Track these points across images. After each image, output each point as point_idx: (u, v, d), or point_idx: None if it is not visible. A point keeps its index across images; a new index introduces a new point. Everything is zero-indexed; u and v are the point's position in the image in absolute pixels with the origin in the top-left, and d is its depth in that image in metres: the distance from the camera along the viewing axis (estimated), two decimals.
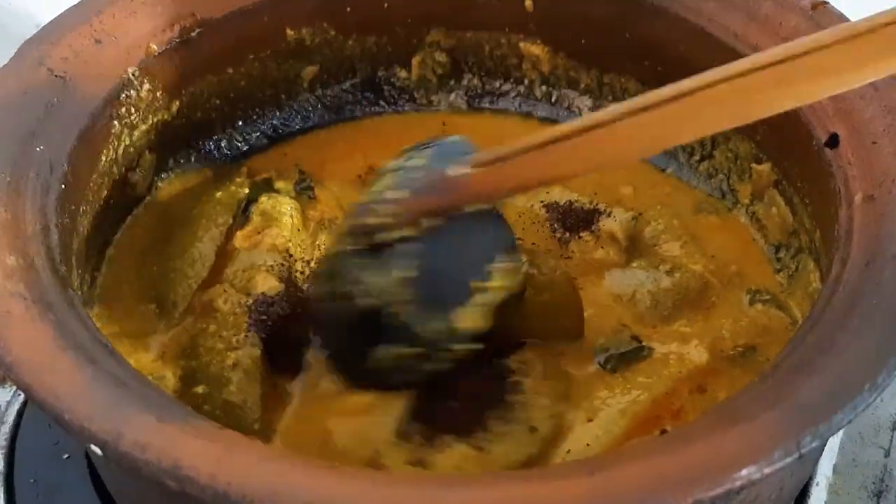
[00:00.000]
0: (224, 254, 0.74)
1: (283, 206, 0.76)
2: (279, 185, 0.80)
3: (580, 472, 0.45)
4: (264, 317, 0.68)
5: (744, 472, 0.44)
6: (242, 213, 0.76)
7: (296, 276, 0.72)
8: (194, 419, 0.49)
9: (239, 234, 0.75)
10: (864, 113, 0.65)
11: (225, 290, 0.69)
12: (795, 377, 0.49)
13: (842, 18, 0.71)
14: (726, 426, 0.47)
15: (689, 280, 0.72)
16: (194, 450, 0.45)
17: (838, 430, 0.47)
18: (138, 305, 0.71)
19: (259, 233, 0.74)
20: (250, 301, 0.68)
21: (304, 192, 0.80)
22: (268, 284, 0.70)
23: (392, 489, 0.44)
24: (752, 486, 0.50)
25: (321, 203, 0.80)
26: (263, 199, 0.77)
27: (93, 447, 0.46)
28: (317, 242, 0.75)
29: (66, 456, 0.72)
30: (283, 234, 0.74)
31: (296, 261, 0.73)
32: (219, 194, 0.78)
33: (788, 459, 0.45)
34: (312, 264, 0.73)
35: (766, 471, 0.45)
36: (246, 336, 0.66)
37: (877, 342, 0.51)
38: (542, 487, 0.44)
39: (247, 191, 0.78)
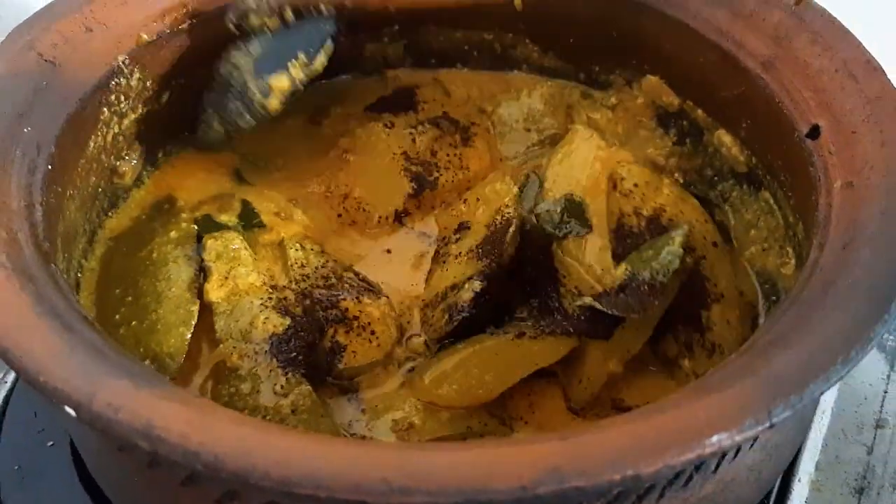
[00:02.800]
0: (202, 311, 0.70)
1: (233, 243, 0.74)
2: (223, 218, 0.77)
3: (555, 437, 0.45)
4: (293, 353, 0.66)
5: (714, 438, 0.44)
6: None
7: (290, 306, 0.70)
8: (169, 386, 0.49)
9: (208, 287, 0.71)
10: (844, 104, 0.66)
11: (234, 347, 0.67)
12: (770, 351, 0.50)
13: (824, 13, 0.72)
14: (699, 396, 0.47)
15: None
16: (167, 412, 0.45)
17: (811, 400, 0.47)
18: None
19: (227, 278, 0.71)
20: (266, 346, 0.66)
21: (251, 219, 0.78)
22: (272, 323, 0.68)
23: (366, 451, 0.44)
24: (724, 460, 0.51)
25: (272, 226, 0.78)
26: (209, 242, 0.74)
27: (66, 409, 0.46)
28: (289, 263, 0.73)
29: (50, 443, 0.72)
30: (251, 269, 0.72)
31: (280, 289, 0.72)
32: (172, 233, 0.75)
33: (760, 427, 0.45)
34: (295, 285, 0.72)
35: (738, 438, 0.45)
36: (287, 379, 0.64)
37: (852, 318, 0.51)
38: (516, 450, 0.44)
39: (194, 227, 0.76)
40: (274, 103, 0.77)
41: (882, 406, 0.77)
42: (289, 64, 0.78)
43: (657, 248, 0.67)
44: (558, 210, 0.74)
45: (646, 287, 0.64)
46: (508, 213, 0.73)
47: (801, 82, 0.69)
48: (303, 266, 0.73)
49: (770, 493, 0.69)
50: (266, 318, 0.68)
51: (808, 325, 0.51)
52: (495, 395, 0.63)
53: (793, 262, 0.70)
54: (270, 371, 0.65)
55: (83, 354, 0.49)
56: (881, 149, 0.61)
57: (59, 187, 0.67)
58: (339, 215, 0.80)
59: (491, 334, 0.67)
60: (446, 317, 0.66)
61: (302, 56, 0.78)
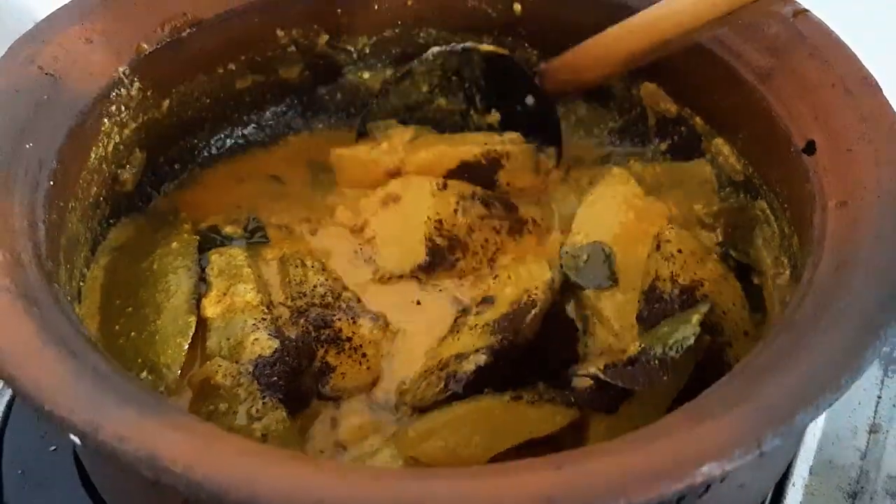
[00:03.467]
0: (198, 325, 0.70)
1: (237, 259, 0.74)
2: (228, 230, 0.78)
3: (547, 467, 0.46)
4: (275, 377, 0.66)
5: (705, 468, 0.45)
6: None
7: (284, 324, 0.70)
8: (174, 413, 0.50)
9: (205, 302, 0.71)
10: (840, 120, 0.66)
11: (220, 365, 0.66)
12: (761, 377, 0.51)
13: (822, 26, 0.72)
14: (691, 424, 0.48)
15: None
16: (172, 441, 0.46)
17: (801, 429, 0.48)
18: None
19: (225, 294, 0.71)
20: (251, 367, 0.66)
21: (256, 233, 0.78)
22: (261, 345, 0.68)
23: (363, 481, 0.45)
24: (717, 481, 0.52)
25: (275, 242, 0.78)
26: (214, 257, 0.74)
27: (73, 437, 0.47)
28: (288, 279, 0.74)
29: (53, 448, 0.73)
30: (251, 287, 0.72)
31: (276, 306, 0.72)
32: (174, 244, 0.75)
33: (749, 457, 0.46)
34: (291, 302, 0.72)
35: (728, 467, 0.46)
36: (264, 403, 0.64)
37: (842, 345, 0.52)
38: (510, 480, 0.45)
39: (196, 238, 0.76)
40: None
41: (876, 411, 0.77)
42: None
43: (674, 325, 0.65)
44: (584, 257, 0.73)
45: (656, 362, 0.61)
46: (536, 294, 0.70)
47: (798, 96, 0.69)
48: (301, 283, 0.73)
49: (764, 498, 0.70)
50: (256, 338, 0.68)
51: (799, 351, 0.52)
52: (482, 461, 0.60)
53: (787, 272, 0.71)
54: (250, 393, 0.64)
55: (88, 382, 0.50)
56: (875, 168, 0.62)
57: (62, 202, 0.67)
58: (355, 251, 0.79)
59: (486, 393, 0.65)
60: (441, 385, 0.65)
61: None
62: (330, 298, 0.73)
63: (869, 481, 0.73)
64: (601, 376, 0.62)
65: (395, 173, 0.81)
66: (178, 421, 0.48)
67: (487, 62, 0.85)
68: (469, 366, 0.65)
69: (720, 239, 0.76)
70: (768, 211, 0.74)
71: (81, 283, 0.72)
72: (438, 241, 0.77)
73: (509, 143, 0.83)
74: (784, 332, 0.54)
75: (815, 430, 0.75)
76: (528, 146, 0.83)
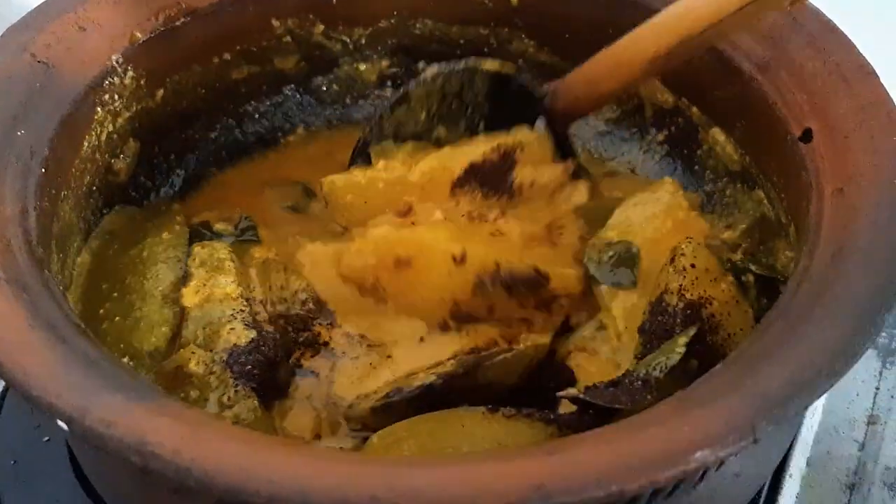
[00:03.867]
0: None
1: (219, 253, 0.73)
2: (219, 226, 0.77)
3: (540, 453, 0.46)
4: (249, 366, 0.65)
5: (697, 455, 0.45)
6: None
7: (262, 320, 0.69)
8: (162, 399, 0.50)
9: (185, 291, 0.70)
10: (837, 109, 0.66)
11: (193, 353, 0.65)
12: (755, 365, 0.50)
13: (819, 15, 0.71)
14: (684, 411, 0.48)
15: None
16: (160, 427, 0.46)
17: (795, 415, 0.47)
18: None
19: (205, 285, 0.71)
20: (225, 356, 0.65)
21: (247, 231, 0.77)
22: (236, 334, 0.67)
23: (352, 468, 0.45)
24: (712, 469, 0.51)
25: (266, 243, 0.77)
26: (196, 248, 0.73)
27: (59, 423, 0.47)
28: (269, 283, 0.72)
29: (46, 439, 0.73)
30: (231, 280, 0.71)
31: (256, 303, 0.71)
32: (165, 234, 0.75)
33: (743, 443, 0.46)
34: (271, 307, 0.71)
35: (721, 454, 0.45)
36: (236, 391, 0.63)
37: (837, 333, 0.51)
38: (501, 467, 0.45)
39: (186, 229, 0.76)
40: None
41: (874, 402, 0.77)
42: None
43: (664, 351, 0.62)
44: (609, 253, 0.70)
45: (639, 382, 0.59)
46: (518, 347, 0.68)
47: (795, 85, 0.69)
48: (282, 288, 0.72)
49: (761, 489, 0.69)
50: (232, 328, 0.67)
51: (793, 338, 0.51)
52: None
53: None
54: (221, 382, 0.64)
55: (77, 368, 0.49)
56: (872, 156, 0.61)
57: (54, 189, 0.67)
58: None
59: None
60: (382, 394, 0.62)
61: None
62: (311, 304, 0.72)
63: (867, 473, 0.73)
64: (581, 397, 0.59)
65: (398, 196, 0.75)
66: (167, 407, 0.48)
67: (491, 82, 0.80)
68: (416, 382, 0.63)
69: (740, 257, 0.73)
70: (765, 200, 0.74)
71: (73, 272, 0.72)
72: (451, 323, 0.71)
73: (520, 134, 0.78)
74: (778, 320, 0.54)
75: (812, 422, 0.75)
76: (542, 134, 0.79)
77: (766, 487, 0.70)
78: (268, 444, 0.46)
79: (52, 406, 0.47)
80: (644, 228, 0.73)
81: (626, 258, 0.71)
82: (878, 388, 0.78)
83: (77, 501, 0.69)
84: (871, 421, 0.76)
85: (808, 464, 0.72)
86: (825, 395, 0.74)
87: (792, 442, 0.72)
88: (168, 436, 0.45)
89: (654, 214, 0.74)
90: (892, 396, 0.78)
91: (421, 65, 0.88)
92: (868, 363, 0.79)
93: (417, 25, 0.88)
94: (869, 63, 0.68)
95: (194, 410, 0.49)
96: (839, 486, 0.72)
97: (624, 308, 0.69)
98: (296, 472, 0.44)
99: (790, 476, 0.72)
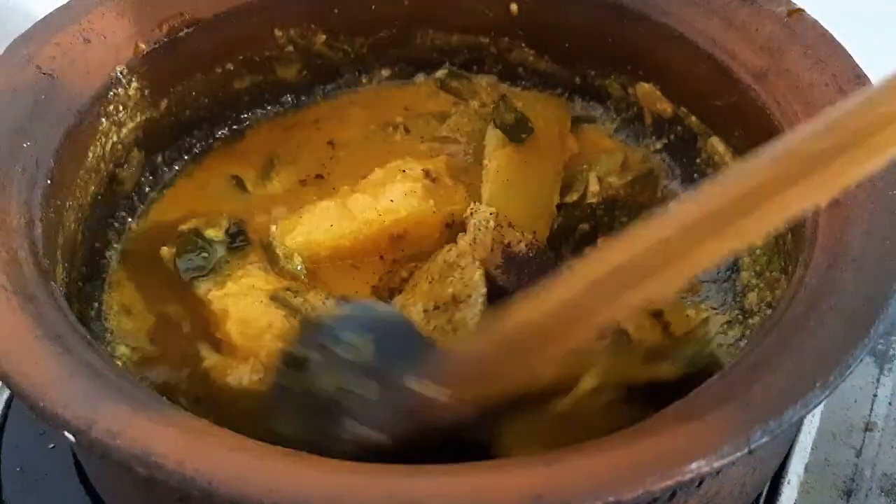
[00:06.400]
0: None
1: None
2: (209, 233, 0.76)
3: (537, 464, 0.46)
4: None
5: (693, 465, 0.46)
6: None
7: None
8: (167, 409, 0.50)
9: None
10: None
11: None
12: (750, 375, 0.51)
13: (816, 26, 0.72)
14: (680, 422, 0.48)
15: None
16: (164, 438, 0.47)
17: (789, 426, 0.48)
18: None
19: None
20: None
21: (238, 237, 0.77)
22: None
23: (354, 478, 0.46)
24: (708, 480, 0.52)
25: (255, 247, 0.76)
26: (214, 293, 0.72)
27: (66, 434, 0.48)
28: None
29: (51, 445, 0.73)
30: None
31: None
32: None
33: (738, 454, 0.46)
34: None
35: (716, 465, 0.46)
36: None
37: (831, 342, 0.52)
38: (499, 477, 0.46)
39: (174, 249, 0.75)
40: None
41: (871, 409, 0.77)
42: None
43: None
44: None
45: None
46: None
47: (792, 95, 0.69)
48: None
49: (759, 496, 0.70)
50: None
51: (788, 349, 0.52)
52: None
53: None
54: None
55: (82, 379, 0.50)
56: None
57: (59, 200, 0.68)
58: None
59: None
60: None
61: None
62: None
63: (864, 479, 0.73)
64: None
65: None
66: (171, 417, 0.49)
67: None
68: None
69: None
70: None
71: (80, 284, 0.73)
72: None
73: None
74: (774, 330, 0.55)
75: (810, 429, 0.75)
76: None
77: (763, 494, 0.70)
78: (270, 454, 0.47)
79: (59, 417, 0.48)
80: None
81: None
82: (875, 395, 0.78)
83: None
84: (869, 427, 0.76)
85: (805, 470, 0.73)
86: (823, 402, 0.76)
87: (790, 448, 0.72)
88: (172, 446, 0.46)
89: None
90: (889, 403, 0.78)
91: (420, 76, 0.89)
92: (866, 370, 0.79)
93: (418, 35, 0.88)
94: (864, 73, 0.68)
95: (198, 420, 0.50)
96: (836, 493, 0.72)
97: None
98: (297, 482, 0.45)
99: (788, 482, 0.72)
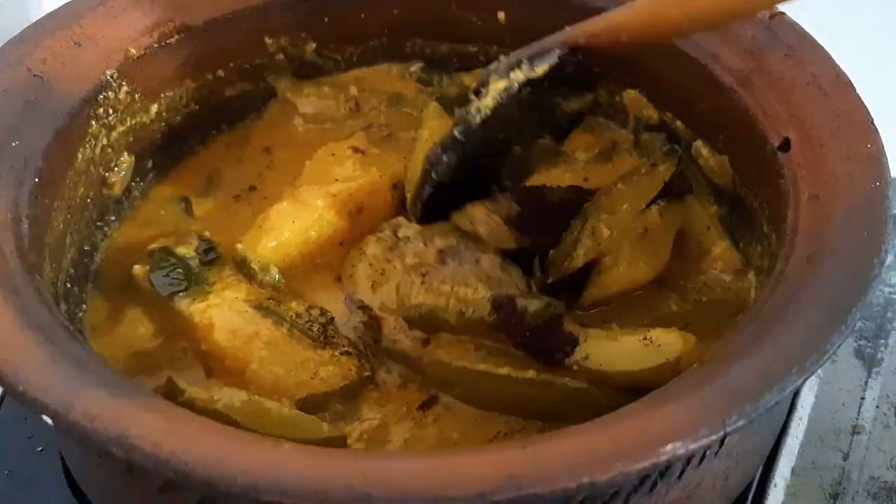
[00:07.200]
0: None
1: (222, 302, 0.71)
2: (181, 251, 0.75)
3: (513, 445, 0.46)
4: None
5: (668, 447, 0.46)
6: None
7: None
8: (146, 396, 0.51)
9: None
10: (814, 118, 0.67)
11: None
12: (728, 361, 0.51)
13: (796, 28, 0.73)
14: (656, 406, 0.48)
15: None
16: (142, 421, 0.47)
17: (765, 410, 0.48)
18: None
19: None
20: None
21: (209, 253, 0.75)
22: None
23: (325, 460, 0.46)
24: (689, 471, 0.52)
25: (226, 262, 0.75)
26: (196, 307, 0.71)
27: (45, 418, 0.48)
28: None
29: (40, 449, 0.73)
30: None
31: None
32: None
33: (714, 437, 0.46)
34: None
35: (692, 447, 0.46)
36: None
37: (809, 330, 0.52)
38: (476, 457, 0.46)
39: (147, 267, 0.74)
40: (487, 101, 0.76)
41: (859, 412, 0.77)
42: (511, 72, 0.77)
43: None
44: None
45: None
46: None
47: (774, 96, 0.70)
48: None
49: (746, 497, 0.70)
50: None
51: (766, 336, 0.52)
52: None
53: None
54: None
55: (64, 366, 0.50)
56: (846, 162, 0.62)
57: (47, 199, 0.68)
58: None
59: None
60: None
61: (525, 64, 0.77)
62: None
63: (851, 483, 0.73)
64: None
65: None
66: (150, 403, 0.49)
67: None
68: None
69: None
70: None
71: (68, 284, 0.73)
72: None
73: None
74: (753, 321, 0.55)
75: (797, 431, 0.75)
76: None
77: (750, 496, 0.70)
78: (246, 439, 0.47)
79: (37, 401, 0.48)
80: None
81: None
82: (863, 398, 0.78)
83: None
84: (856, 431, 0.76)
85: (792, 473, 0.73)
86: (811, 405, 0.76)
87: (776, 451, 0.72)
88: (149, 430, 0.46)
89: None
90: (877, 406, 0.78)
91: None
92: (853, 373, 0.79)
93: (408, 44, 0.89)
94: (844, 73, 0.69)
95: (177, 407, 0.50)
96: (823, 496, 0.72)
97: None
98: (273, 464, 0.45)
99: (775, 485, 0.72)
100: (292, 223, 0.75)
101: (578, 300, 0.71)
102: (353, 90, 0.88)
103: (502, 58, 0.78)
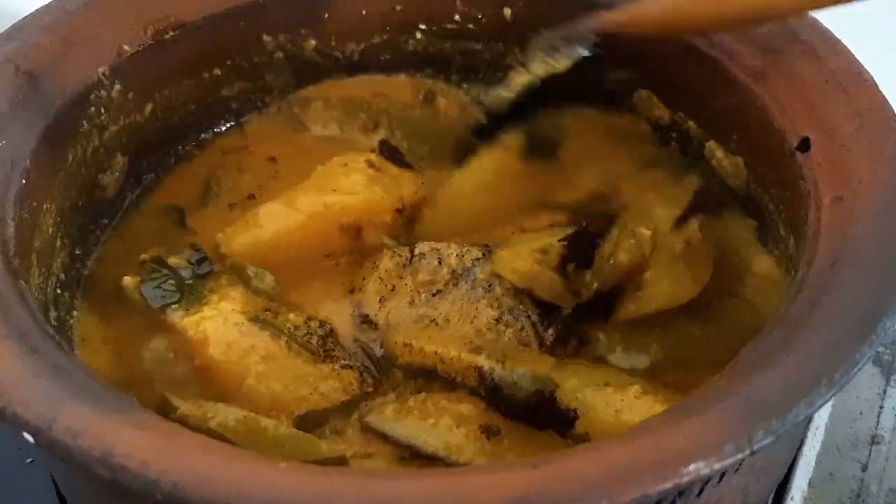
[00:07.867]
0: None
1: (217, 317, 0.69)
2: (173, 261, 0.73)
3: (526, 466, 0.44)
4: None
5: (692, 467, 0.43)
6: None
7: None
8: (135, 410, 0.48)
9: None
10: (834, 116, 0.65)
11: None
12: (752, 373, 0.48)
13: (815, 24, 0.70)
14: (678, 420, 0.46)
15: None
16: (129, 438, 0.44)
17: (793, 426, 0.45)
18: None
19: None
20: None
21: (202, 264, 0.73)
22: None
23: (325, 481, 0.43)
24: (709, 488, 0.50)
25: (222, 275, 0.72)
26: (190, 319, 0.69)
27: (25, 435, 0.45)
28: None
29: (29, 461, 0.71)
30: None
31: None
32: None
33: (739, 455, 0.44)
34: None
35: (716, 466, 0.43)
36: None
37: (835, 340, 0.50)
38: (484, 479, 0.43)
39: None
40: (507, 94, 0.78)
41: (878, 422, 0.75)
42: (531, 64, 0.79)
43: None
44: None
45: None
46: None
47: (792, 94, 0.68)
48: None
49: None
50: None
51: (791, 346, 0.50)
52: None
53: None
54: None
55: (46, 378, 0.48)
56: (870, 163, 0.60)
57: (35, 202, 0.66)
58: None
59: None
60: None
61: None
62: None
63: (870, 495, 0.71)
64: None
65: None
66: (138, 418, 0.46)
67: None
68: None
69: None
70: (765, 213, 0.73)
71: (58, 290, 0.71)
72: None
73: None
74: (776, 328, 0.52)
75: (814, 442, 0.73)
76: None
77: None
78: (239, 456, 0.45)
79: (17, 416, 0.45)
80: None
81: None
82: (882, 407, 0.76)
83: None
84: (875, 441, 0.74)
85: (810, 484, 0.71)
86: (828, 414, 0.74)
87: (794, 462, 0.70)
88: (136, 447, 0.44)
89: None
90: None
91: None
92: (872, 381, 0.77)
93: (410, 41, 0.87)
94: (866, 70, 0.67)
95: (166, 422, 0.47)
96: None
97: None
98: (270, 485, 0.42)
99: (791, 498, 0.70)
100: (276, 225, 0.73)
101: (610, 318, 0.68)
102: (364, 116, 0.86)
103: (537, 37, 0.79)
